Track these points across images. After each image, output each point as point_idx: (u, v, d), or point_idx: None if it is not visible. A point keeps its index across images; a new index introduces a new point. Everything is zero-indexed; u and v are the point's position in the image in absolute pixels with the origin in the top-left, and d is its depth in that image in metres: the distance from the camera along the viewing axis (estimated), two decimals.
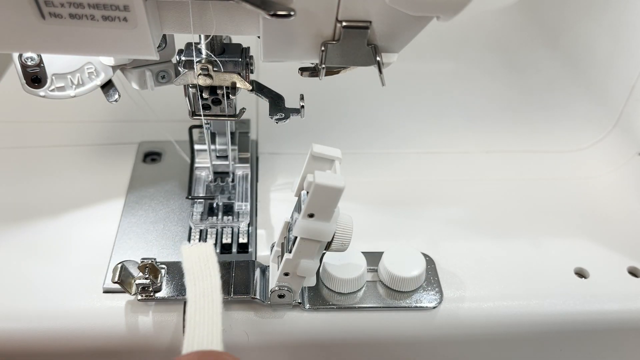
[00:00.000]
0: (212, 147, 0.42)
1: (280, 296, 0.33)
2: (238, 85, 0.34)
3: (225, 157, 0.42)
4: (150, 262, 0.34)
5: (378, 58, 0.30)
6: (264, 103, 0.36)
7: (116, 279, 0.33)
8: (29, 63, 0.32)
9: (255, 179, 0.44)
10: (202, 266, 0.32)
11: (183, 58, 0.33)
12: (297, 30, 0.29)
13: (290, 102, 0.37)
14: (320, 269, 0.36)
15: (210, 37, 0.32)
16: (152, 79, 0.36)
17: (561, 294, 0.37)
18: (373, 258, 0.36)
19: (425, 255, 0.37)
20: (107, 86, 0.35)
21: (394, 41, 0.30)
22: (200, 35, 0.32)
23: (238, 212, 0.40)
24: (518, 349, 0.37)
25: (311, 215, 0.28)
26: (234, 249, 0.38)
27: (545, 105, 0.54)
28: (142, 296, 0.33)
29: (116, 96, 0.35)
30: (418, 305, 0.35)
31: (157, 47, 0.29)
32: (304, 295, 0.35)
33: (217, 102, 0.36)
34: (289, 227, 0.33)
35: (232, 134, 0.42)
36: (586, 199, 0.44)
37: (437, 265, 0.38)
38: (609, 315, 0.36)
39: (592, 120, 0.51)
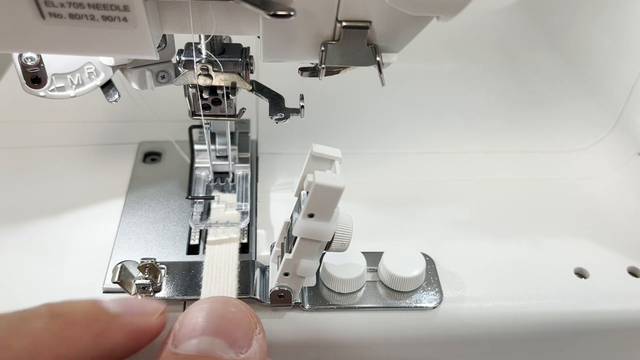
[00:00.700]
0: (212, 147, 0.42)
1: (280, 296, 0.33)
2: (238, 85, 0.34)
3: (225, 157, 0.42)
4: (150, 262, 0.34)
5: (378, 58, 0.30)
6: (264, 103, 0.36)
7: (116, 279, 0.33)
8: (29, 63, 0.32)
9: (255, 179, 0.44)
10: (221, 267, 0.33)
11: (183, 58, 0.33)
12: (297, 30, 0.29)
13: (290, 102, 0.37)
14: (320, 269, 0.36)
15: (210, 37, 0.32)
16: (152, 79, 0.36)
17: (561, 294, 0.37)
18: (373, 258, 0.36)
19: (425, 255, 0.37)
20: (107, 86, 0.35)
21: (394, 41, 0.30)
22: (200, 35, 0.32)
23: (238, 212, 0.40)
24: (518, 349, 0.37)
25: (311, 215, 0.28)
26: None
27: (545, 105, 0.54)
28: (142, 296, 0.33)
29: (116, 96, 0.35)
30: (418, 305, 0.35)
31: (157, 47, 0.29)
32: (303, 295, 0.35)
33: (217, 102, 0.36)
34: (288, 227, 0.33)
35: (232, 134, 0.42)
36: (586, 199, 0.44)
37: (437, 265, 0.38)
38: (609, 316, 0.36)
39: (592, 120, 0.51)
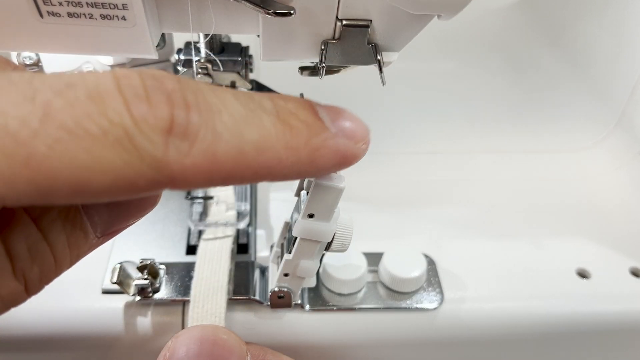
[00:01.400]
0: None
1: (280, 297, 0.33)
2: (237, 84, 0.34)
3: None
4: (149, 262, 0.34)
5: (378, 57, 0.30)
6: None
7: (115, 280, 0.33)
8: (27, 62, 0.32)
9: None
10: (213, 263, 0.33)
11: (182, 57, 0.33)
12: (297, 29, 0.29)
13: None
14: (321, 269, 0.35)
15: (210, 36, 0.32)
16: None
17: (563, 295, 0.36)
18: (373, 259, 0.36)
19: (425, 256, 0.37)
20: None
21: (395, 40, 0.30)
22: (199, 34, 0.32)
23: (238, 213, 0.40)
24: (519, 350, 0.37)
25: (311, 216, 0.28)
26: None
27: (546, 105, 0.54)
28: (140, 297, 0.33)
29: None
30: (419, 306, 0.35)
31: (156, 46, 0.29)
32: (304, 296, 0.35)
33: None
34: (288, 227, 0.33)
35: None
36: (588, 199, 0.44)
37: (437, 265, 0.37)
38: (610, 316, 0.36)
39: (593, 119, 0.51)
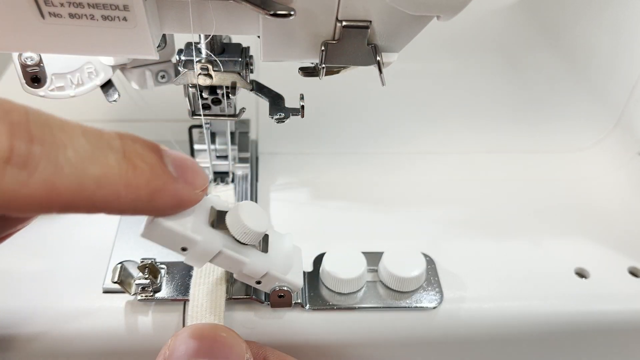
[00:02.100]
0: (212, 147, 0.42)
1: (280, 296, 0.33)
2: (238, 84, 0.34)
3: (225, 157, 0.42)
4: (150, 262, 0.34)
5: (378, 58, 0.30)
6: (264, 103, 0.36)
7: (116, 279, 0.33)
8: (29, 63, 0.32)
9: (255, 179, 0.44)
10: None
11: (183, 58, 0.33)
12: (297, 30, 0.29)
13: (290, 102, 0.36)
14: (321, 269, 0.36)
15: (210, 36, 0.32)
16: (151, 78, 0.36)
17: (562, 295, 0.36)
18: (373, 258, 0.36)
19: (425, 255, 0.37)
20: (107, 86, 0.35)
21: (394, 41, 0.30)
22: (200, 35, 0.32)
23: None
24: (518, 350, 0.37)
25: (184, 249, 0.27)
26: None
27: (545, 105, 0.54)
28: (141, 296, 0.33)
29: (116, 96, 0.35)
30: (418, 305, 0.35)
31: (157, 47, 0.29)
32: (304, 296, 0.35)
33: (217, 101, 0.35)
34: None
35: (232, 133, 0.42)
36: (587, 199, 0.44)
37: (437, 265, 0.38)
38: (609, 316, 0.36)
39: (592, 120, 0.51)
